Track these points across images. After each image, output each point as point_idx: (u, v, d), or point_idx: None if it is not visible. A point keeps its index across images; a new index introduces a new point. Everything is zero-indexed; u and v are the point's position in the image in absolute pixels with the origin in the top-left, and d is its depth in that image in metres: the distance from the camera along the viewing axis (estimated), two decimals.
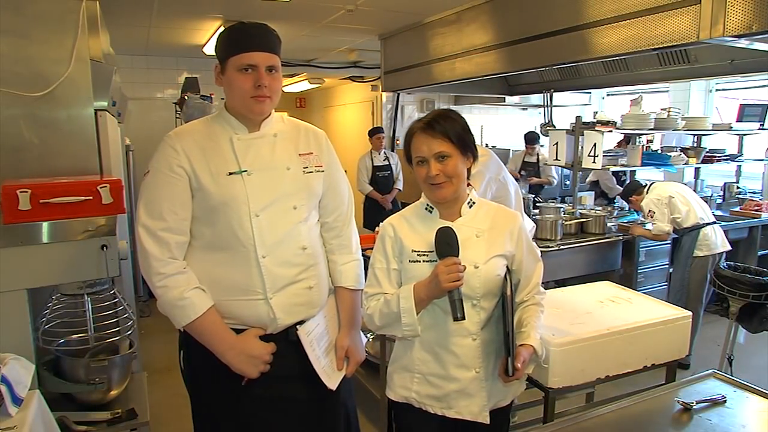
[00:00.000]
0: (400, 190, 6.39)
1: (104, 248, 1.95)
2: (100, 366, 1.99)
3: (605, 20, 2.70)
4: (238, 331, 1.64)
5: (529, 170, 6.50)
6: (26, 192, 1.78)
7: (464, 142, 1.58)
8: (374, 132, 6.44)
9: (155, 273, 1.57)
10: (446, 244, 1.51)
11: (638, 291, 4.10)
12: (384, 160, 6.39)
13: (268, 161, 1.66)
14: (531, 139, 6.47)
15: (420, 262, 1.59)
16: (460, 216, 1.64)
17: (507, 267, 1.63)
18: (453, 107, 7.32)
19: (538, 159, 6.48)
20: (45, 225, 1.85)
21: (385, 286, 1.64)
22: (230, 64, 1.59)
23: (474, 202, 1.66)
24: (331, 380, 1.73)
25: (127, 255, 2.19)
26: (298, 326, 1.69)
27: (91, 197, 1.89)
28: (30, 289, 1.84)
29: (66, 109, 2.13)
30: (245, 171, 1.62)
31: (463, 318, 1.48)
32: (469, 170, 1.63)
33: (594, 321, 1.97)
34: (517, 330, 1.61)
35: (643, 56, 3.87)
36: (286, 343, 1.67)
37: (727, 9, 2.09)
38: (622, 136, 5.53)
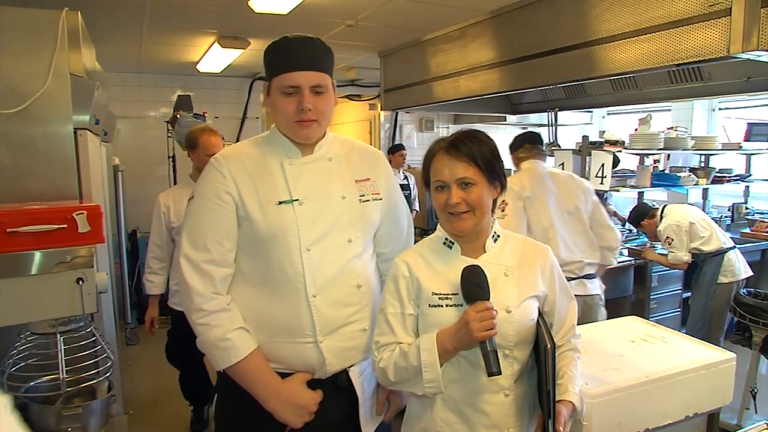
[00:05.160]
0: (417, 211, 6.16)
1: (80, 282, 1.77)
2: (73, 413, 1.79)
3: (622, 35, 2.55)
4: (282, 375, 1.48)
5: None
6: None
7: (492, 168, 1.37)
8: (396, 149, 6.21)
9: (196, 309, 1.44)
10: (476, 285, 1.31)
11: (651, 318, 3.93)
12: (404, 179, 6.10)
13: (321, 189, 1.50)
14: None
15: (443, 306, 1.37)
16: (485, 252, 1.43)
17: (539, 310, 1.44)
18: (452, 126, 7.24)
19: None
20: (13, 257, 1.66)
21: (400, 335, 1.41)
22: (273, 85, 1.45)
23: (499, 236, 1.46)
24: (368, 426, 1.57)
25: (107, 288, 1.99)
26: (348, 369, 1.52)
27: (65, 225, 1.71)
28: None
29: (42, 127, 1.97)
30: (296, 200, 1.46)
31: (499, 372, 1.27)
32: (495, 201, 1.43)
33: (629, 366, 1.77)
34: None
35: (653, 74, 3.73)
36: (334, 388, 1.51)
37: (761, 21, 1.94)
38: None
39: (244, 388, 1.47)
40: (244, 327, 1.46)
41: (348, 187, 1.54)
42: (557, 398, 1.36)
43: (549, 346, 1.31)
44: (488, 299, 1.30)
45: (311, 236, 1.46)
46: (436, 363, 1.33)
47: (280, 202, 1.46)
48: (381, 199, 1.59)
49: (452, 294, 1.37)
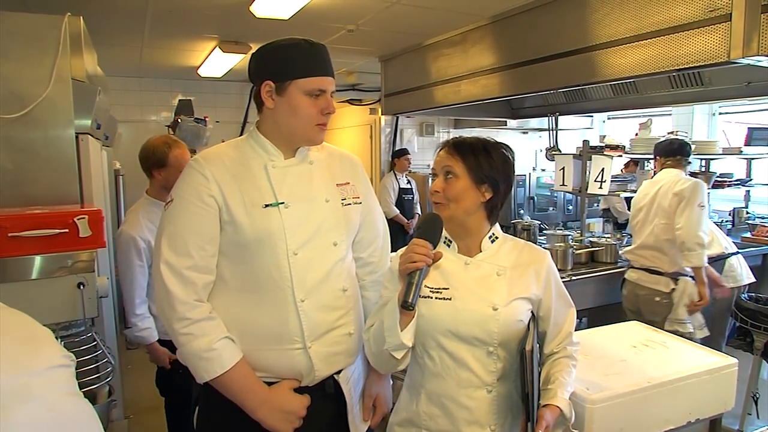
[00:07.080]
0: (419, 215, 6.26)
1: (81, 286, 1.77)
2: None
3: (623, 40, 2.56)
4: (268, 384, 1.46)
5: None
6: None
7: (479, 170, 1.40)
8: (401, 153, 6.31)
9: (179, 318, 1.39)
10: (418, 227, 1.37)
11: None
12: (407, 183, 6.26)
13: (305, 192, 1.49)
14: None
15: (432, 298, 1.40)
16: (481, 251, 1.46)
17: (532, 313, 1.45)
18: (452, 131, 7.24)
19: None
20: (14, 261, 1.66)
21: None
22: (297, 85, 1.42)
23: (497, 237, 1.48)
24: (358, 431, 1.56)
25: (108, 293, 1.99)
26: (335, 375, 1.52)
27: (66, 230, 1.70)
28: None
29: (44, 132, 1.97)
30: (282, 203, 1.44)
31: (411, 307, 1.28)
32: (487, 205, 1.44)
33: (631, 371, 1.77)
34: (543, 387, 1.42)
35: (654, 79, 3.73)
36: (321, 394, 1.50)
37: (762, 26, 1.94)
38: (627, 160, 5.39)
39: (230, 399, 1.43)
40: (229, 336, 1.42)
41: (330, 190, 1.54)
42: (545, 403, 1.37)
43: (528, 348, 1.32)
44: (429, 240, 1.33)
45: (298, 240, 1.44)
46: (395, 310, 1.32)
47: (266, 205, 1.43)
48: (361, 203, 1.60)
49: (443, 288, 1.40)
